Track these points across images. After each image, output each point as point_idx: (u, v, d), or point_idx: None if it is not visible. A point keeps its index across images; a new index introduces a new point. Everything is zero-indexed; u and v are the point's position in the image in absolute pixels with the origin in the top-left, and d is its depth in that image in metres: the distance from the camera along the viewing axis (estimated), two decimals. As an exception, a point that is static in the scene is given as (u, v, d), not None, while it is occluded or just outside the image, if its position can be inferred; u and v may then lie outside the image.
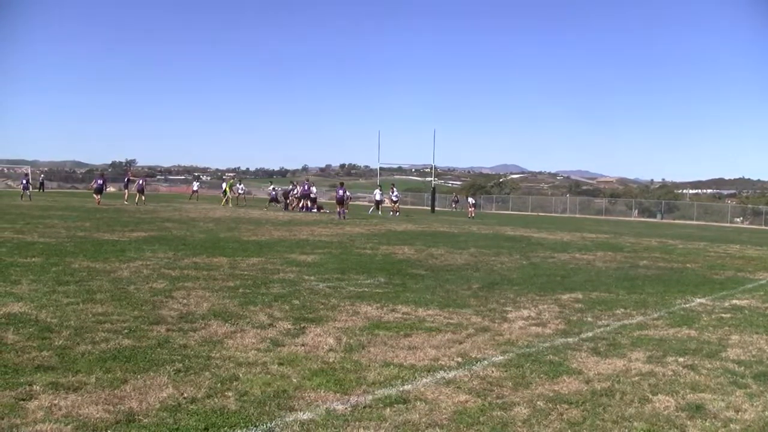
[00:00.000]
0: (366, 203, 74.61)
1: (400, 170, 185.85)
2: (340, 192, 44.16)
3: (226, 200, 56.01)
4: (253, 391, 6.81)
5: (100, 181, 51.09)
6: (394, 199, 54.28)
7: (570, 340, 9.81)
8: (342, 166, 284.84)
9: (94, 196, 49.31)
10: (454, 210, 78.74)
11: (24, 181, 58.62)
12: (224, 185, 59.32)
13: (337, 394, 6.84)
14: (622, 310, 12.46)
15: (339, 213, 42.80)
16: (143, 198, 54.99)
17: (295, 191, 54.81)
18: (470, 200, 64.74)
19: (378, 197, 55.76)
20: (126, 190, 58.24)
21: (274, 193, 58.59)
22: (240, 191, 63.34)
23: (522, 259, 20.54)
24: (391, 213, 51.48)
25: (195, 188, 73.00)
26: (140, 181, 58.28)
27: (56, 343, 8.43)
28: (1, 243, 19.43)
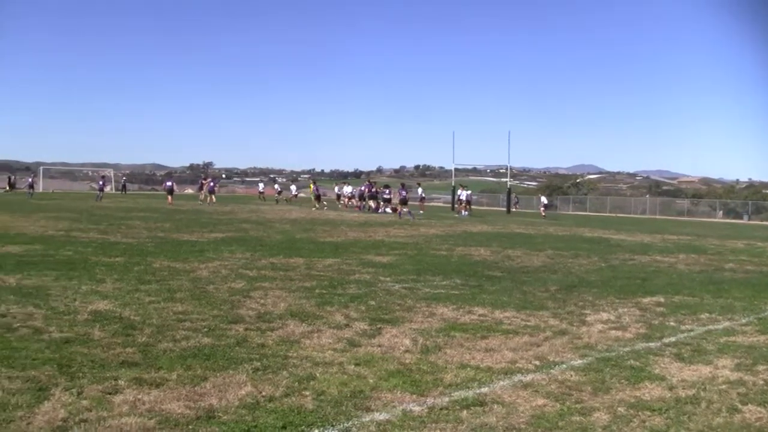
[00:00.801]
0: (442, 204, 74.21)
1: (475, 171, 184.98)
2: (403, 193, 45.17)
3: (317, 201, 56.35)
4: (330, 391, 6.88)
5: (169, 183, 56.05)
6: (463, 198, 54.42)
7: (652, 344, 9.61)
8: (416, 167, 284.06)
9: (167, 196, 53.44)
10: (515, 210, 77.93)
11: (100, 183, 60.69)
12: (309, 187, 59.76)
13: (414, 396, 6.87)
14: (707, 314, 12.10)
15: (400, 213, 43.45)
16: (213, 199, 56.87)
17: (350, 191, 55.95)
18: (543, 200, 64.00)
19: (464, 197, 55.56)
20: (201, 192, 59.82)
21: (352, 191, 59.20)
22: (294, 192, 64.36)
23: (600, 261, 20.31)
24: (463, 213, 51.48)
25: (261, 189, 74.03)
26: (211, 183, 60.67)
27: (139, 340, 8.63)
28: (87, 243, 19.90)
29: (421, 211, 50.95)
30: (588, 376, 7.86)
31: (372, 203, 44.38)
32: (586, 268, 18.54)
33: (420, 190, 56.98)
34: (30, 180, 67.17)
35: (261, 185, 77.03)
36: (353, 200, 57.47)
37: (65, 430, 5.65)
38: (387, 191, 49.19)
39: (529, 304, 12.36)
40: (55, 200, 54.45)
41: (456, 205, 56.37)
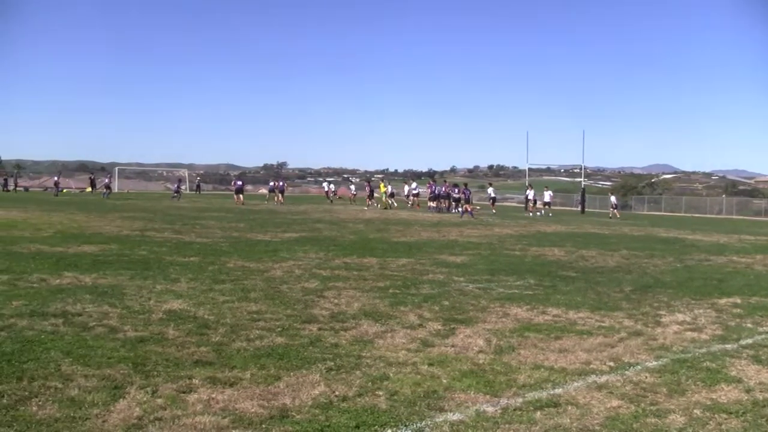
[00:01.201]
0: (515, 204, 73.79)
1: (548, 171, 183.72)
2: (467, 192, 45.67)
3: (388, 200, 56.76)
4: (404, 391, 6.85)
5: (239, 183, 57.95)
6: (547, 198, 54.37)
7: (728, 346, 9.41)
8: (490, 167, 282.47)
9: (235, 196, 54.88)
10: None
11: (177, 184, 62.30)
12: (381, 187, 60.31)
13: (487, 396, 6.81)
14: (786, 316, 11.77)
15: (462, 212, 43.96)
16: (281, 198, 58.67)
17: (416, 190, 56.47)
18: (612, 199, 62.99)
19: (548, 198, 55.33)
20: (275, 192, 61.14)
21: (417, 190, 59.62)
22: (353, 191, 65.01)
23: (676, 262, 19.97)
24: (538, 213, 51.29)
25: (326, 188, 74.63)
26: (280, 183, 62.41)
27: (213, 339, 8.69)
28: (162, 243, 20.17)
29: (493, 211, 50.96)
30: (663, 378, 7.72)
31: (468, 206, 44.45)
32: (662, 268, 18.25)
33: (490, 190, 56.84)
34: (106, 180, 68.99)
35: (326, 185, 77.55)
36: (416, 198, 57.69)
37: (140, 428, 5.69)
38: (456, 190, 49.39)
39: (603, 304, 12.20)
40: (130, 200, 55.32)
41: (528, 206, 56.09)
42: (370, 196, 56.39)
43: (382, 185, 61.15)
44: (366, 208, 51.88)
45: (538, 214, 51.06)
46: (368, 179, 68.45)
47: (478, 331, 9.63)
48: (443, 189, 52.61)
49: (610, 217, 54.83)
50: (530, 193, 56.30)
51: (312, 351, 8.28)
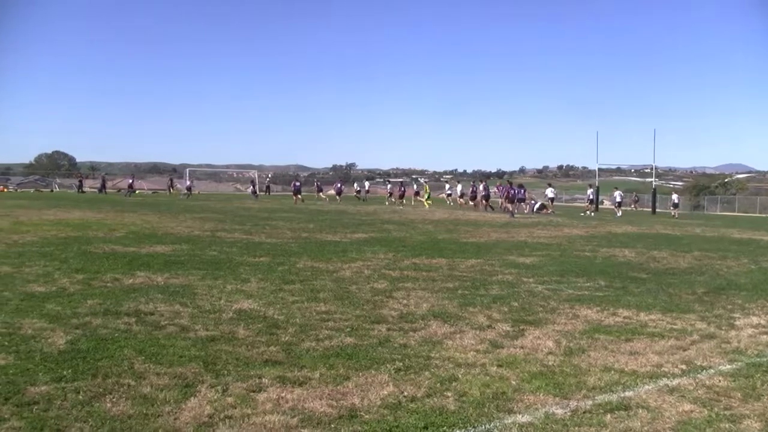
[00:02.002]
0: (583, 204, 73.22)
1: (619, 171, 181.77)
2: (522, 192, 46.18)
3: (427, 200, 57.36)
4: (472, 392, 6.83)
5: (297, 184, 60.54)
6: (618, 199, 54.03)
7: (805, 350, 9.21)
8: (560, 167, 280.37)
9: (293, 196, 58.91)
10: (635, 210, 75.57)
11: (252, 185, 63.77)
12: (425, 189, 61.15)
13: (557, 398, 6.77)
14: None
15: (511, 212, 43.90)
16: (338, 198, 63.40)
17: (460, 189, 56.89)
18: (674, 199, 61.91)
19: (618, 198, 54.92)
20: (320, 193, 66.45)
21: (462, 190, 59.92)
22: (388, 189, 65.22)
23: (750, 263, 19.58)
24: (617, 214, 50.95)
25: (367, 188, 75.09)
26: (338, 184, 68.14)
27: (283, 339, 8.75)
28: (232, 243, 20.38)
29: (550, 210, 50.74)
30: (737, 382, 7.58)
31: (510, 205, 44.43)
32: (735, 270, 17.92)
33: (549, 190, 56.59)
34: (188, 182, 72.16)
35: (367, 184, 77.81)
36: (462, 199, 57.83)
37: (210, 427, 5.76)
38: (522, 191, 49.48)
39: (675, 306, 12.03)
40: (201, 201, 55.94)
41: (588, 204, 55.71)
42: (402, 196, 59.31)
43: (426, 187, 61.87)
44: (400, 207, 53.63)
45: (618, 215, 50.62)
46: (402, 180, 69.51)
47: (547, 333, 9.57)
48: (495, 190, 52.92)
49: (672, 216, 54.20)
50: (589, 192, 55.95)
51: (381, 351, 8.30)
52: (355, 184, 78.42)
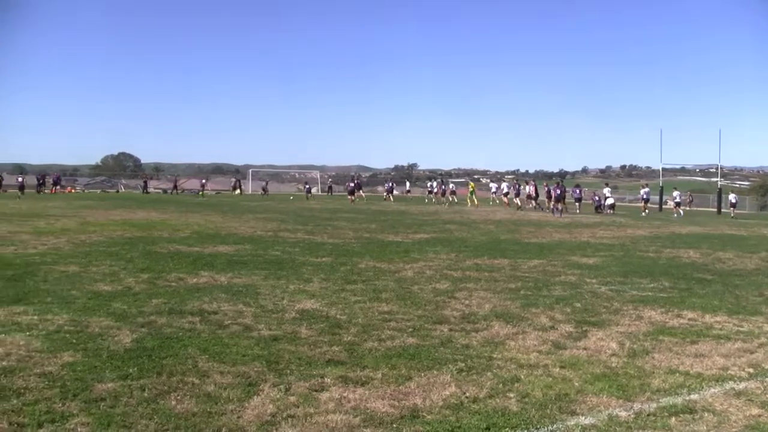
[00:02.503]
0: (650, 205, 72.36)
1: (683, 171, 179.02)
2: (558, 191, 45.48)
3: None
4: (535, 393, 6.80)
5: (351, 184, 63.52)
6: (678, 199, 53.47)
7: None
8: (623, 167, 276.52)
9: (348, 196, 60.74)
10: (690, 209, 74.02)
11: (352, 185, 65.84)
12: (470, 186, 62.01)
13: (620, 400, 6.71)
14: None
15: (553, 210, 44.05)
16: (391, 198, 64.44)
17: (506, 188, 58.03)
18: (731, 197, 60.21)
19: (678, 198, 54.32)
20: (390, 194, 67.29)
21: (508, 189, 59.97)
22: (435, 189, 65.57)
23: (820, 265, 19.21)
24: (675, 215, 50.35)
25: (433, 189, 75.19)
26: (388, 184, 70.67)
27: (345, 338, 8.80)
28: (295, 243, 20.53)
29: (610, 211, 50.39)
30: (807, 386, 7.43)
31: (559, 205, 44.27)
32: (806, 271, 17.57)
33: (606, 190, 56.17)
34: (264, 183, 76.22)
35: (431, 184, 77.73)
36: (506, 198, 57.68)
37: (273, 425, 5.80)
38: (578, 191, 49.42)
39: (742, 308, 11.84)
40: (264, 202, 56.28)
41: (642, 204, 55.04)
42: (443, 193, 60.86)
43: (471, 185, 62.68)
44: (445, 206, 54.25)
45: (676, 215, 49.99)
46: (443, 180, 70.50)
47: (610, 334, 9.49)
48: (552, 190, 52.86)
49: (731, 216, 53.37)
50: (642, 192, 55.38)
51: (443, 352, 8.31)
52: (451, 185, 78.28)
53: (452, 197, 60.47)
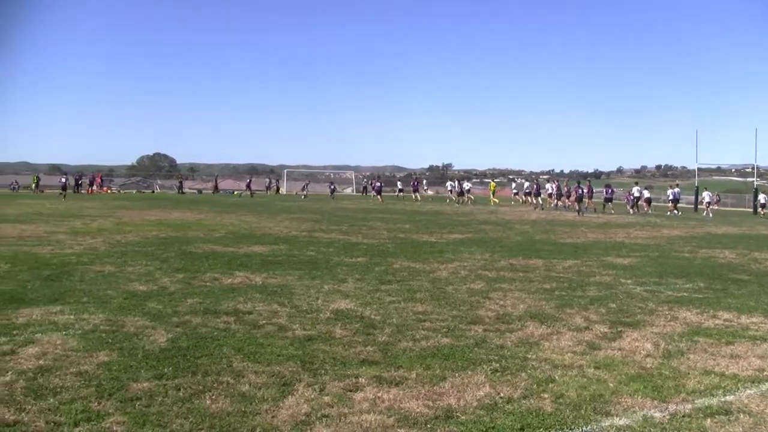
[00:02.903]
0: (683, 205, 71.99)
1: (719, 171, 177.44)
2: (580, 190, 46.31)
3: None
4: (569, 394, 6.79)
5: (378, 184, 66.73)
6: (707, 199, 53.29)
7: None
8: (658, 167, 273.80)
9: (378, 196, 62.81)
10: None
11: (378, 184, 66.58)
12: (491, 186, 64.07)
13: (655, 401, 6.67)
14: None
15: (578, 210, 44.23)
16: (418, 197, 65.91)
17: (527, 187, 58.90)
18: (761, 198, 59.60)
19: (708, 199, 54.03)
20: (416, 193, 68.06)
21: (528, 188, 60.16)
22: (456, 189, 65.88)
23: None
24: (706, 215, 50.06)
25: (467, 188, 75.61)
26: (415, 182, 71.43)
27: (380, 339, 8.82)
28: (329, 243, 20.59)
29: (631, 211, 50.15)
30: None
31: (577, 204, 44.37)
32: (844, 271, 17.38)
33: (636, 189, 55.92)
34: (306, 183, 77.31)
35: (458, 184, 77.78)
36: (527, 197, 57.73)
37: (308, 425, 5.83)
38: (609, 190, 49.63)
39: (779, 309, 11.73)
40: (299, 202, 56.44)
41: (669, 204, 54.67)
42: (461, 193, 61.97)
43: (492, 184, 67.03)
44: (458, 205, 55.95)
45: (706, 215, 49.69)
46: (460, 179, 71.28)
47: (645, 335, 9.44)
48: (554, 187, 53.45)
49: (761, 215, 52.97)
50: (670, 192, 55.04)
51: (477, 352, 8.30)
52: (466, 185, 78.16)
53: (464, 198, 61.65)
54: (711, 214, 50.41)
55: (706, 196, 54.04)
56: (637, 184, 59.31)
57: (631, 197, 53.76)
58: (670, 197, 52.64)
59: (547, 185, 55.29)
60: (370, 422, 5.91)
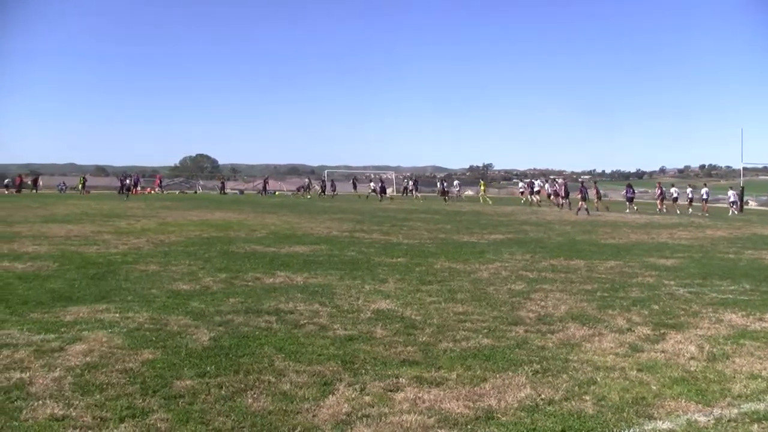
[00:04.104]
0: (727, 205, 71.27)
1: (765, 170, 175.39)
2: (630, 191, 47.69)
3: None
4: (611, 397, 6.74)
5: (411, 183, 67.21)
6: (732, 198, 53.46)
7: None
8: (701, 167, 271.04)
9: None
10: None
11: (445, 184, 68.28)
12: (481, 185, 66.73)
13: (699, 405, 6.60)
14: None
15: (585, 209, 43.83)
16: (450, 198, 66.52)
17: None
18: (732, 194, 58.85)
19: (733, 198, 53.75)
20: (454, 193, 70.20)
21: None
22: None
23: None
24: (732, 213, 49.95)
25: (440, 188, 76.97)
26: (444, 183, 72.53)
27: (420, 339, 8.81)
28: (370, 244, 20.60)
29: (664, 210, 49.87)
30: None
31: (584, 203, 44.53)
32: None
33: (673, 189, 55.66)
34: (354, 182, 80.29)
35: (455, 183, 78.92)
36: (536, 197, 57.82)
37: (348, 424, 5.84)
38: (630, 190, 49.82)
39: (827, 312, 11.55)
40: (338, 203, 56.53)
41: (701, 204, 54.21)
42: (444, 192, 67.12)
43: (483, 183, 71.39)
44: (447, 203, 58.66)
45: (733, 213, 49.45)
46: (477, 179, 73.15)
47: (689, 337, 9.35)
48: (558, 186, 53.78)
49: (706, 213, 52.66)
50: (702, 191, 54.65)
51: (518, 353, 8.27)
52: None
53: (450, 196, 66.32)
54: (736, 212, 50.28)
55: (731, 195, 53.79)
56: (673, 186, 59.16)
57: (669, 195, 53.70)
58: (731, 198, 52.68)
59: (546, 185, 55.99)
60: (410, 422, 5.91)
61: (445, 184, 71.43)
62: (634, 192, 51.75)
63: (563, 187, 52.14)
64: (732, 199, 53.44)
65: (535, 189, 58.32)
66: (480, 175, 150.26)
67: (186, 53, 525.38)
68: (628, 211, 47.94)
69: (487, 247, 20.68)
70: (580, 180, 55.44)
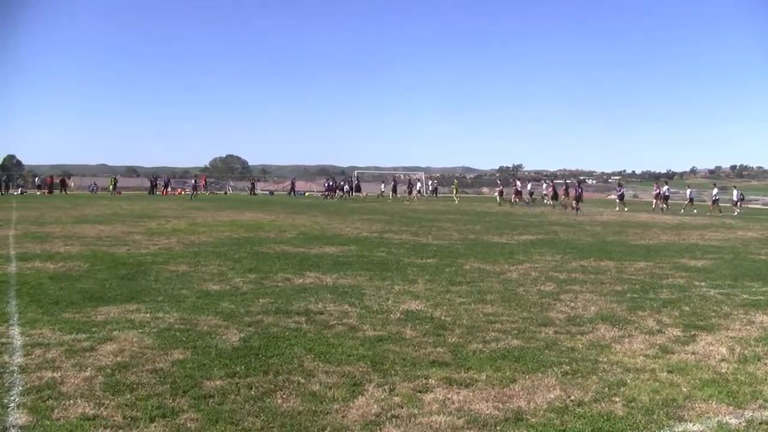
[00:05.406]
0: (760, 206, 70.51)
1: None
2: (579, 189, 47.21)
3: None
4: (641, 398, 6.72)
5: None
6: (735, 198, 53.95)
7: None
8: (733, 167, 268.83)
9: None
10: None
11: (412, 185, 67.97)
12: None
13: (730, 407, 6.56)
14: None
15: (576, 208, 44.65)
16: (507, 200, 63.58)
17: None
18: (735, 194, 58.34)
19: (736, 197, 53.78)
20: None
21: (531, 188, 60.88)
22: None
23: None
24: (735, 212, 49.93)
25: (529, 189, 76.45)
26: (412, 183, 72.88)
27: (450, 340, 8.81)
28: (399, 245, 20.60)
29: (682, 210, 49.72)
30: None
31: (574, 203, 44.90)
32: None
33: (689, 191, 55.56)
34: (384, 184, 79.33)
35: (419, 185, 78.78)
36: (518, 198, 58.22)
37: (378, 425, 5.86)
38: (620, 189, 52.78)
39: None
40: (368, 203, 56.55)
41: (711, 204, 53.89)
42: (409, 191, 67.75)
43: (455, 183, 76.19)
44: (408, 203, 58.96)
45: (735, 213, 49.56)
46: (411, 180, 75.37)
47: (720, 339, 9.29)
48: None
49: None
50: (714, 193, 54.46)
51: (548, 354, 8.26)
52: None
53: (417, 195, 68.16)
54: (738, 211, 50.50)
55: (735, 194, 53.83)
56: (688, 186, 59.48)
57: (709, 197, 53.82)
58: (734, 197, 52.83)
59: (543, 185, 56.79)
60: (439, 423, 5.92)
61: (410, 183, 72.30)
62: (622, 189, 54.36)
63: (551, 188, 53.28)
64: (735, 199, 53.66)
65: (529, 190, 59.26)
66: (457, 176, 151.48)
67: (219, 54, 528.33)
68: (617, 209, 49.20)
69: (516, 247, 20.64)
70: (566, 181, 56.11)
